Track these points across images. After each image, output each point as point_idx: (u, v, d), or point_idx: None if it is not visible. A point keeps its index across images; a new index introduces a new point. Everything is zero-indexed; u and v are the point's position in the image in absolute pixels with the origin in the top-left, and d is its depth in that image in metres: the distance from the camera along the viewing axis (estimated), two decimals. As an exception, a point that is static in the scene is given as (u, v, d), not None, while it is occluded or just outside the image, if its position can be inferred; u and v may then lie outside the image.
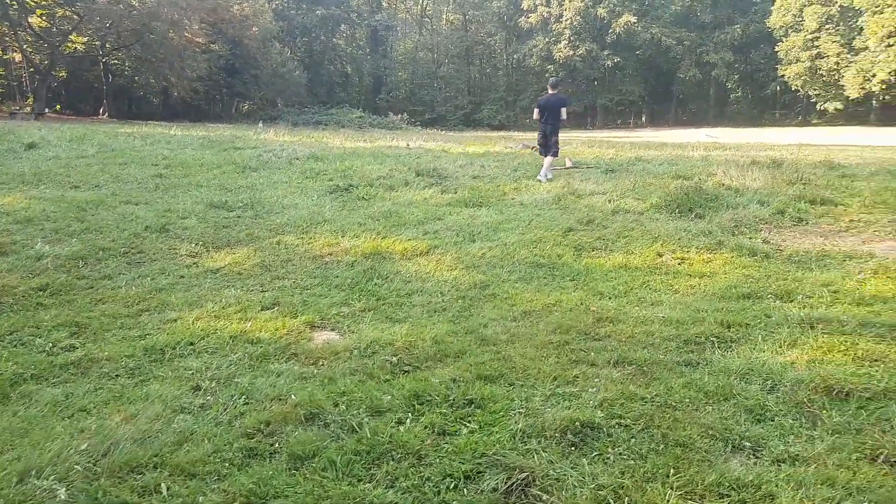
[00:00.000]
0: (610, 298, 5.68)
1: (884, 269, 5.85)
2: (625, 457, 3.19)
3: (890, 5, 45.78)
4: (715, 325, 4.87)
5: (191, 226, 8.09)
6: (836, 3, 52.67)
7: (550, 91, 12.81)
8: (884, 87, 49.14)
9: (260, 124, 37.46)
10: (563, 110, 12.59)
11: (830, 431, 3.37)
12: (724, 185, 10.09)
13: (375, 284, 6.08)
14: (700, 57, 61.47)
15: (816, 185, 10.06)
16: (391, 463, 3.17)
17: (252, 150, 16.11)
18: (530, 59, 62.69)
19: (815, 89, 55.33)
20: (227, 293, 5.81)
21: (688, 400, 3.77)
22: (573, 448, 3.28)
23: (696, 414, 3.59)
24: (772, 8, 56.92)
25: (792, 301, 5.31)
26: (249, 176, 12.32)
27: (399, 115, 50.12)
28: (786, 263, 6.34)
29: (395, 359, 4.40)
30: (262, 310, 5.41)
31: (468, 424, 3.51)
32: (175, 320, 5.16)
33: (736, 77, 64.85)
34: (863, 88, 50.85)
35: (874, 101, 53.24)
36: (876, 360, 4.12)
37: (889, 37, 47.33)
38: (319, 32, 59.89)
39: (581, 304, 5.55)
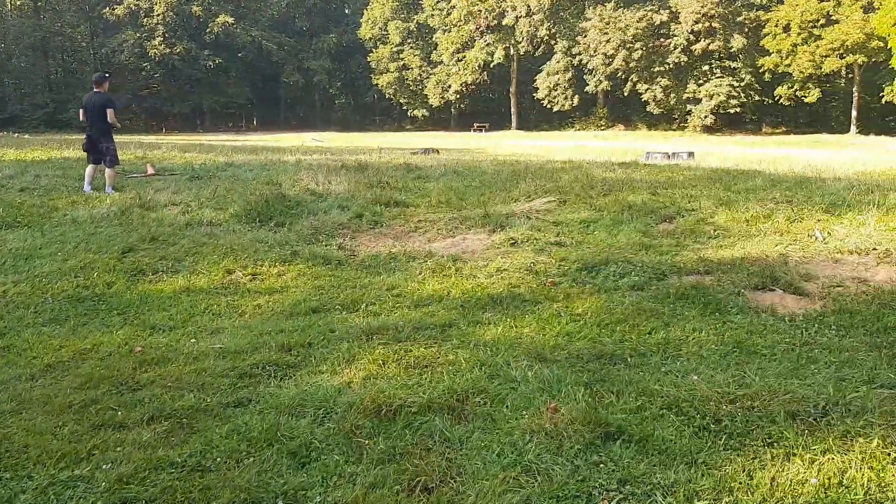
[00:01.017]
0: (163, 332, 4.85)
1: (440, 267, 6.16)
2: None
3: (455, 25, 52.98)
4: (275, 349, 4.41)
5: None
6: (415, 20, 59.25)
7: (95, 88, 10.81)
8: (458, 96, 57.13)
9: None
10: (110, 112, 10.62)
11: (375, 462, 3.10)
12: (309, 190, 9.97)
13: None
14: (301, 62, 63.24)
15: (394, 187, 10.59)
16: None
17: None
18: (121, 54, 56.98)
19: (404, 97, 61.52)
20: None
21: (227, 454, 3.18)
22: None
23: (230, 474, 3.01)
24: (361, 20, 61.47)
25: (357, 311, 5.17)
26: None
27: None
28: (357, 270, 6.29)
29: None
30: None
31: None
32: None
33: (339, 84, 68.56)
34: (442, 98, 58.39)
35: (452, 109, 61.54)
36: (426, 367, 4.08)
37: (458, 52, 55.02)
38: None
39: (125, 344, 4.61)
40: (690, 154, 20.09)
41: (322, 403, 3.65)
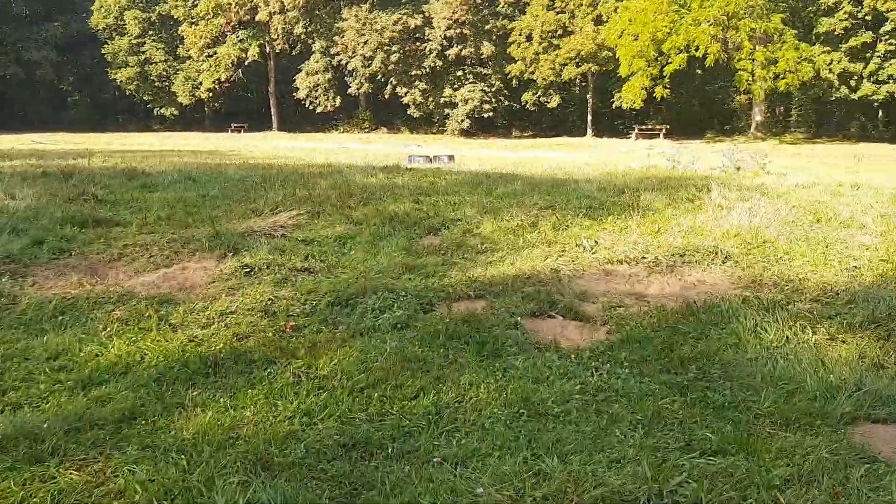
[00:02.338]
0: None
1: (138, 315, 4.52)
2: None
3: (203, 18, 48.98)
4: None
5: None
6: (156, 10, 53.79)
7: None
8: (211, 94, 52.91)
9: None
10: None
11: None
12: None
13: None
14: (20, 54, 54.28)
15: (104, 200, 8.49)
16: None
17: None
18: None
19: (148, 95, 55.63)
20: None
21: None
22: None
23: None
24: (92, 7, 54.40)
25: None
26: None
27: None
28: (10, 328, 4.40)
29: None
30: None
31: None
32: None
33: (71, 79, 60.01)
34: (193, 96, 53.69)
35: (206, 108, 56.92)
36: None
37: (208, 47, 50.92)
38: None
39: None
40: (451, 157, 19.98)
41: None
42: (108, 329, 4.27)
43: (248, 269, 5.65)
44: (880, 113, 39.43)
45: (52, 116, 58.72)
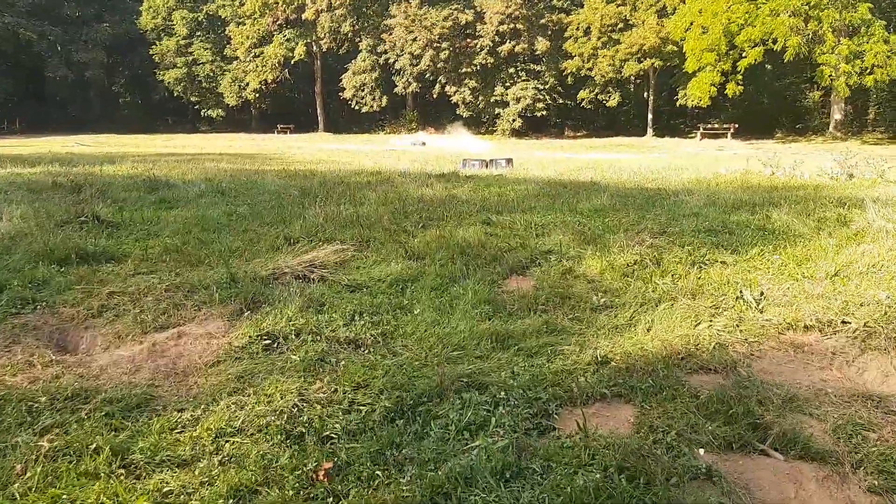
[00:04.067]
0: None
1: (81, 445, 2.79)
2: None
3: (249, 17, 48.13)
4: None
5: None
6: (204, 10, 53.22)
7: None
8: (257, 95, 52.06)
9: None
10: None
11: None
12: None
13: None
14: (70, 55, 54.47)
15: (108, 222, 6.91)
16: None
17: None
18: None
19: (195, 96, 55.15)
20: None
21: None
22: None
23: None
24: (141, 8, 54.15)
25: None
26: None
27: None
28: None
29: None
30: None
31: None
32: None
33: (122, 81, 60.08)
34: (240, 97, 52.94)
35: (253, 109, 56.17)
36: None
37: (255, 47, 50.06)
38: None
39: None
40: (509, 161, 18.06)
41: None
42: (30, 475, 2.55)
43: (268, 340, 3.92)
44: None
45: (105, 117, 58.68)
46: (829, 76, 29.68)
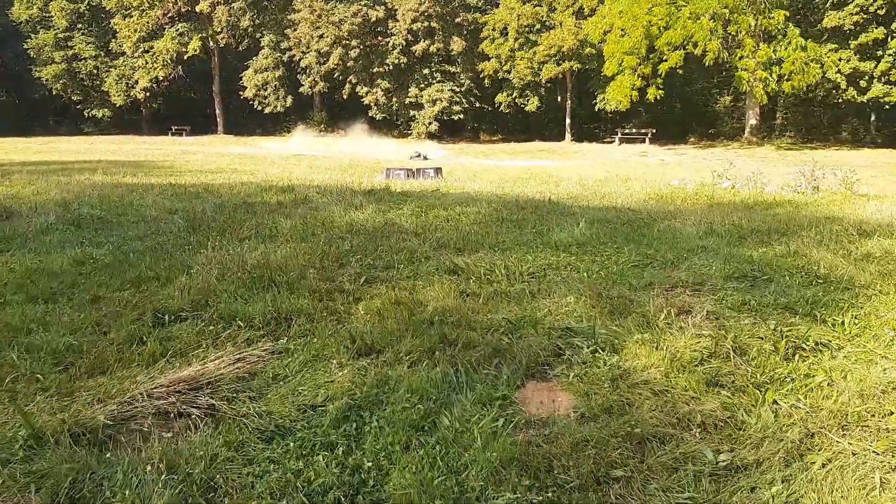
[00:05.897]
0: None
1: None
2: None
3: (137, 9, 43.94)
4: None
5: None
6: (86, 1, 48.34)
7: None
8: (147, 94, 47.73)
9: None
10: None
11: None
12: None
13: None
14: (-73, 48, 48.22)
15: None
16: None
17: None
18: None
19: (77, 94, 50.02)
20: None
21: None
22: None
23: None
24: (13, -3, 48.61)
25: None
26: None
27: None
28: None
29: None
30: None
31: None
32: None
33: (1, 78, 53.84)
34: (128, 95, 48.38)
35: (143, 109, 51.56)
36: None
37: (144, 41, 45.79)
38: None
39: None
40: (437, 170, 16.10)
41: None
42: None
43: None
44: (872, 117, 37.12)
45: (-25, 118, 52.25)
46: (748, 82, 29.53)
